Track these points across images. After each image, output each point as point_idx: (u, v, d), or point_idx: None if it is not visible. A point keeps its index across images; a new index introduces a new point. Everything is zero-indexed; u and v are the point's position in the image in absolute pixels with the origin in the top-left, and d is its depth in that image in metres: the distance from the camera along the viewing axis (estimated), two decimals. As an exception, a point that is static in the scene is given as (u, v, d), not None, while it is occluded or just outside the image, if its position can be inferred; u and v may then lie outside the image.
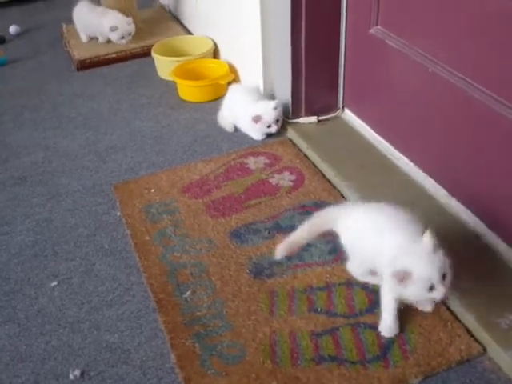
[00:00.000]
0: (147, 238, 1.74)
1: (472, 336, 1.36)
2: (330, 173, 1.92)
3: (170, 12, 3.40)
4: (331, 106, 2.20)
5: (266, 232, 1.73)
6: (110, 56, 2.91)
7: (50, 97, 2.67)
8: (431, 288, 1.25)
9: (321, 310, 1.46)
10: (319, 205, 1.78)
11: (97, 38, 3.02)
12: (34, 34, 3.42)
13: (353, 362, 1.33)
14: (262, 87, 2.29)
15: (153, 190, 1.94)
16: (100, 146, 2.25)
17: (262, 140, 2.16)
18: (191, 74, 2.56)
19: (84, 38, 3.05)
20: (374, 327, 1.40)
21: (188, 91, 2.52)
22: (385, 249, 1.34)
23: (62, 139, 2.32)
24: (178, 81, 2.53)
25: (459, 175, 1.66)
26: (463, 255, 1.47)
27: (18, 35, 3.40)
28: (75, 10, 3.05)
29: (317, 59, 2.08)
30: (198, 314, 1.48)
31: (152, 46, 2.79)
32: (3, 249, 1.77)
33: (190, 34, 3.05)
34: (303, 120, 2.18)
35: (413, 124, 1.82)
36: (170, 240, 1.72)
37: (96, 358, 1.41)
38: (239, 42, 2.46)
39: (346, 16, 2.00)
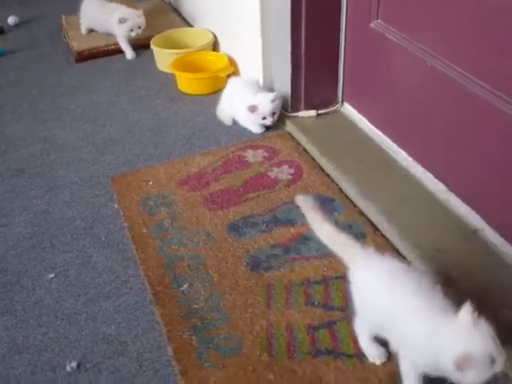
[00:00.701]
0: (144, 230, 1.73)
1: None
2: (328, 167, 1.92)
3: (169, 4, 3.39)
4: (331, 100, 2.19)
5: (264, 225, 1.72)
6: (109, 47, 2.90)
7: (48, 88, 2.66)
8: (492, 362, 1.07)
9: (318, 303, 1.46)
10: (318, 199, 1.78)
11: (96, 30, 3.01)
12: (32, 25, 3.41)
13: (349, 356, 1.33)
14: (261, 80, 2.28)
15: (150, 183, 1.94)
16: (98, 138, 2.25)
17: (261, 133, 2.16)
18: (190, 67, 2.55)
19: (83, 30, 3.04)
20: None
21: (187, 84, 2.51)
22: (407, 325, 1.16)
23: (61, 131, 2.32)
24: (177, 73, 2.52)
25: (458, 170, 1.66)
26: (461, 250, 1.48)
27: (17, 26, 3.39)
28: (84, 4, 3.03)
29: (317, 53, 2.07)
30: (195, 306, 1.48)
31: (151, 38, 2.79)
32: (1, 241, 1.77)
33: (190, 26, 3.05)
34: (302, 114, 2.18)
35: (412, 118, 1.81)
36: (168, 232, 1.72)
37: (93, 349, 1.41)
38: (239, 34, 2.45)
39: (346, 9, 1.99)
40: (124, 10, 2.87)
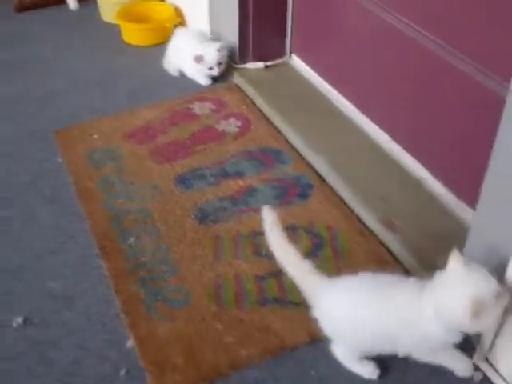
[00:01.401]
0: (90, 184, 1.70)
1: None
2: (276, 118, 1.92)
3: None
4: (279, 52, 2.17)
5: (212, 178, 1.72)
6: (50, -3, 2.78)
7: (-15, 39, 2.55)
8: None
9: (265, 254, 1.47)
10: (265, 151, 1.79)
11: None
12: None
13: (296, 304, 1.34)
14: (208, 31, 2.24)
15: (96, 136, 1.90)
16: (40, 91, 2.17)
17: (208, 85, 2.13)
18: (136, 17, 2.49)
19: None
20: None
21: (133, 35, 2.45)
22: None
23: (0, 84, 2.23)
24: (123, 24, 2.45)
25: (402, 121, 1.68)
26: (404, 198, 1.51)
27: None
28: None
29: (265, 3, 2.04)
30: (143, 259, 1.48)
31: (95, -14, 2.69)
32: None
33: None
34: (250, 65, 2.15)
35: (359, 71, 1.81)
36: (114, 186, 1.70)
37: (39, 305, 1.39)
38: (185, -17, 2.39)
39: (294, -42, 1.96)
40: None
